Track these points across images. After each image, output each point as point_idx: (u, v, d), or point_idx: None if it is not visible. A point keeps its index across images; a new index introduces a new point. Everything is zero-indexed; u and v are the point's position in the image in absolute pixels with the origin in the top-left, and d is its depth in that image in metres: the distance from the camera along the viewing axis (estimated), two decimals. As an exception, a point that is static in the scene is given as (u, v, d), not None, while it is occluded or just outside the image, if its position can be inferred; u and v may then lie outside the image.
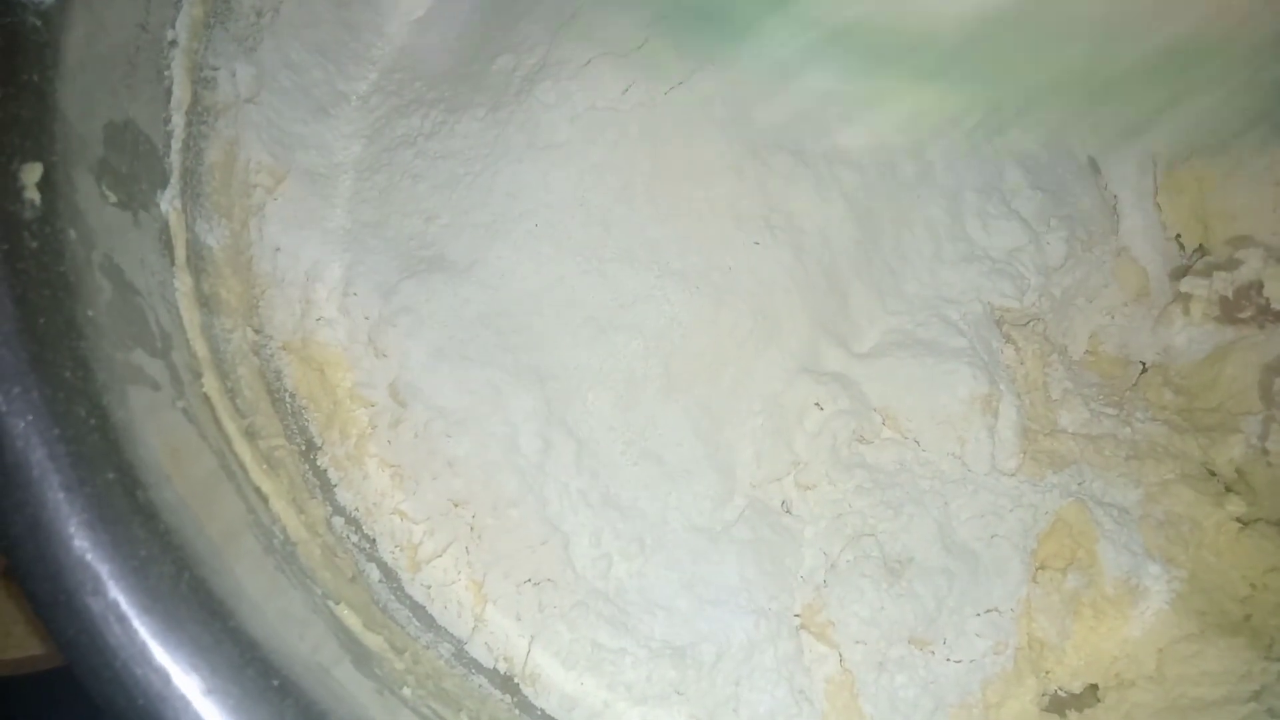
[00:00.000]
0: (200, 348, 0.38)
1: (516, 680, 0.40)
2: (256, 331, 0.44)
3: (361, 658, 0.34)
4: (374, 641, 0.36)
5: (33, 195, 0.31)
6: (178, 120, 0.41)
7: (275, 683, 0.28)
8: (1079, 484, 0.44)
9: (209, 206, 0.43)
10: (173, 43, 0.41)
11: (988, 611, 0.42)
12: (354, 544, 0.41)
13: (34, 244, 0.30)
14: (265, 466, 0.38)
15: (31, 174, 0.31)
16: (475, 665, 0.40)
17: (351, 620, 0.36)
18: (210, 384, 0.38)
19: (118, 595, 0.26)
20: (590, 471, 0.42)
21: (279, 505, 0.37)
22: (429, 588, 0.41)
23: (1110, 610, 0.42)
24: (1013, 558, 0.42)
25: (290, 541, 0.37)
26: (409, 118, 0.49)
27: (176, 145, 0.41)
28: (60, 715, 0.42)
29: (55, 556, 0.26)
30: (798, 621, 0.42)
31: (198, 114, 0.43)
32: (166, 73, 0.41)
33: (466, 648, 0.40)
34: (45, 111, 0.33)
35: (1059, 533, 0.43)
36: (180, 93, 0.42)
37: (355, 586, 0.38)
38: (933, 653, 0.42)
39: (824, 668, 0.41)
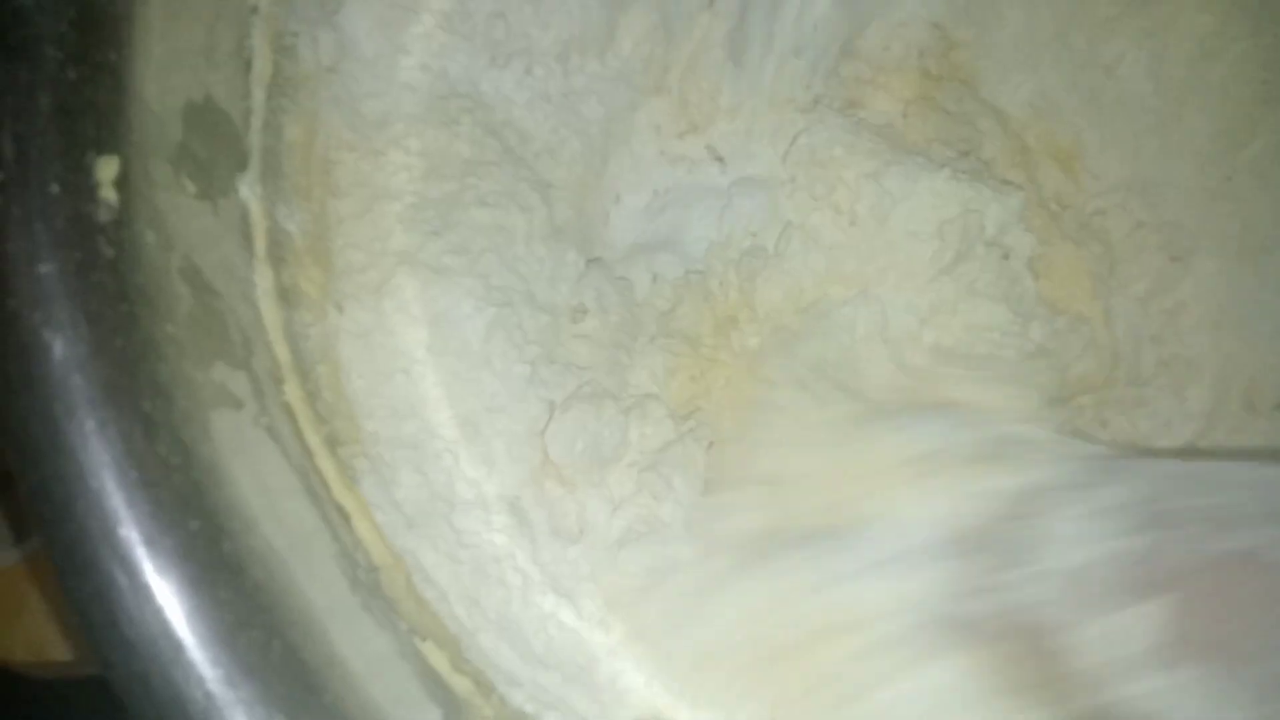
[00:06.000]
0: (281, 350, 0.35)
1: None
2: (339, 310, 0.40)
3: (451, 709, 0.31)
4: (461, 685, 0.33)
5: (109, 194, 0.27)
6: (258, 95, 0.38)
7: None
8: None
9: (288, 189, 0.39)
10: (254, 8, 0.37)
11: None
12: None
13: (110, 252, 0.27)
14: (346, 480, 0.35)
15: (108, 169, 0.27)
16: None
17: (438, 660, 0.33)
18: (292, 391, 0.34)
19: (204, 671, 0.23)
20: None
21: (361, 526, 0.34)
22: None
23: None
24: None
25: (374, 567, 0.34)
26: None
27: (256, 123, 0.37)
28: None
29: (134, 622, 0.23)
30: None
31: (278, 87, 0.39)
32: (247, 42, 0.37)
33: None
34: (122, 94, 0.29)
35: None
36: (261, 64, 0.38)
37: (438, 619, 0.35)
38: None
39: None
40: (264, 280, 0.35)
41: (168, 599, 0.24)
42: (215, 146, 0.34)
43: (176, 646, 0.23)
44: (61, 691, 0.43)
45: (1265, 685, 0.23)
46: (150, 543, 0.24)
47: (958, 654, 0.29)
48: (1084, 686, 0.26)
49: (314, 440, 0.35)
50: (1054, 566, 0.27)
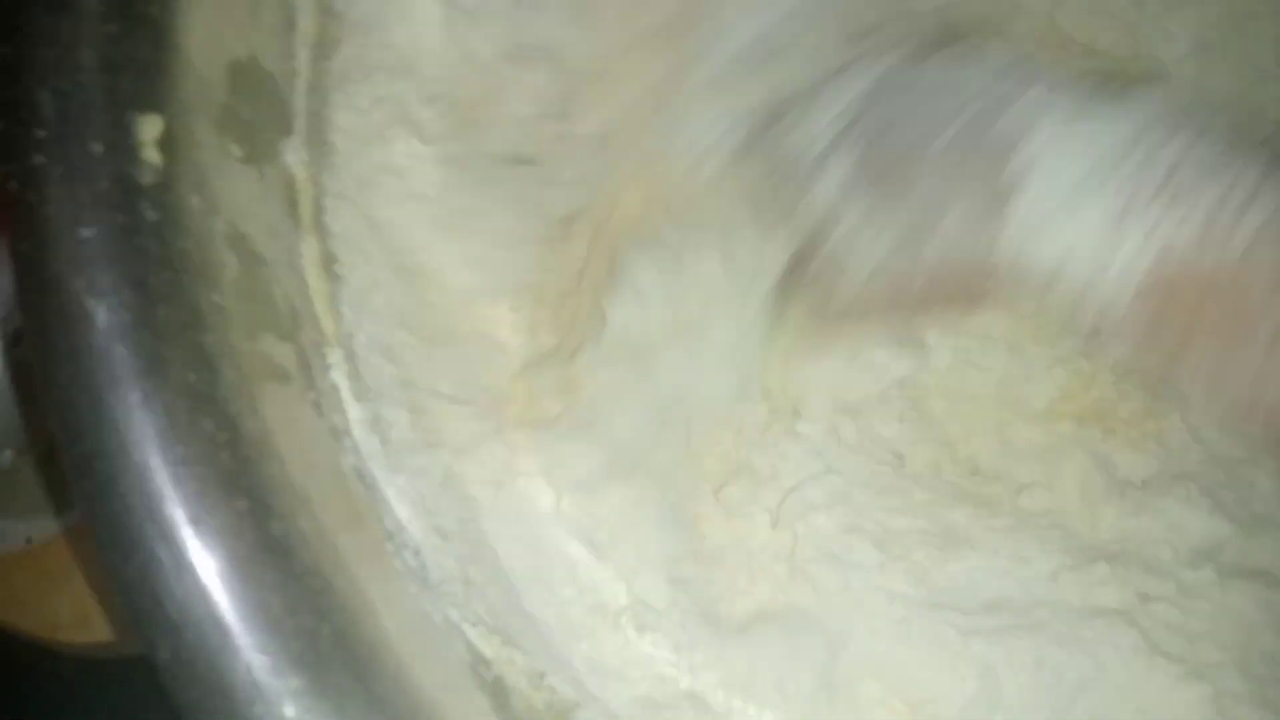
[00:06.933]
0: (328, 322, 0.34)
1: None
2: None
3: (500, 697, 0.30)
4: (510, 673, 0.32)
5: (152, 155, 0.26)
6: (302, 56, 0.36)
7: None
8: None
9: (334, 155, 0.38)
10: (298, -35, 0.36)
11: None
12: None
13: (153, 215, 0.25)
14: (392, 461, 0.34)
15: (151, 128, 0.26)
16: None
17: (488, 646, 0.32)
18: (337, 365, 0.33)
19: (252, 656, 0.22)
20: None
21: (403, 510, 0.33)
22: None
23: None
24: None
25: (419, 550, 0.32)
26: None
27: (301, 86, 0.36)
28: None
29: (179, 605, 0.22)
30: None
31: (322, 48, 0.38)
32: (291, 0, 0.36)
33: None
34: (166, 50, 0.28)
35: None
36: (305, 23, 0.36)
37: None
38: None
39: None
40: (310, 249, 0.34)
41: (214, 581, 0.22)
42: (260, 109, 0.33)
43: (223, 632, 0.22)
44: (103, 671, 0.42)
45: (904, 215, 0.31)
46: (196, 522, 0.23)
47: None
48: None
49: (356, 415, 0.33)
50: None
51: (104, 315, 0.24)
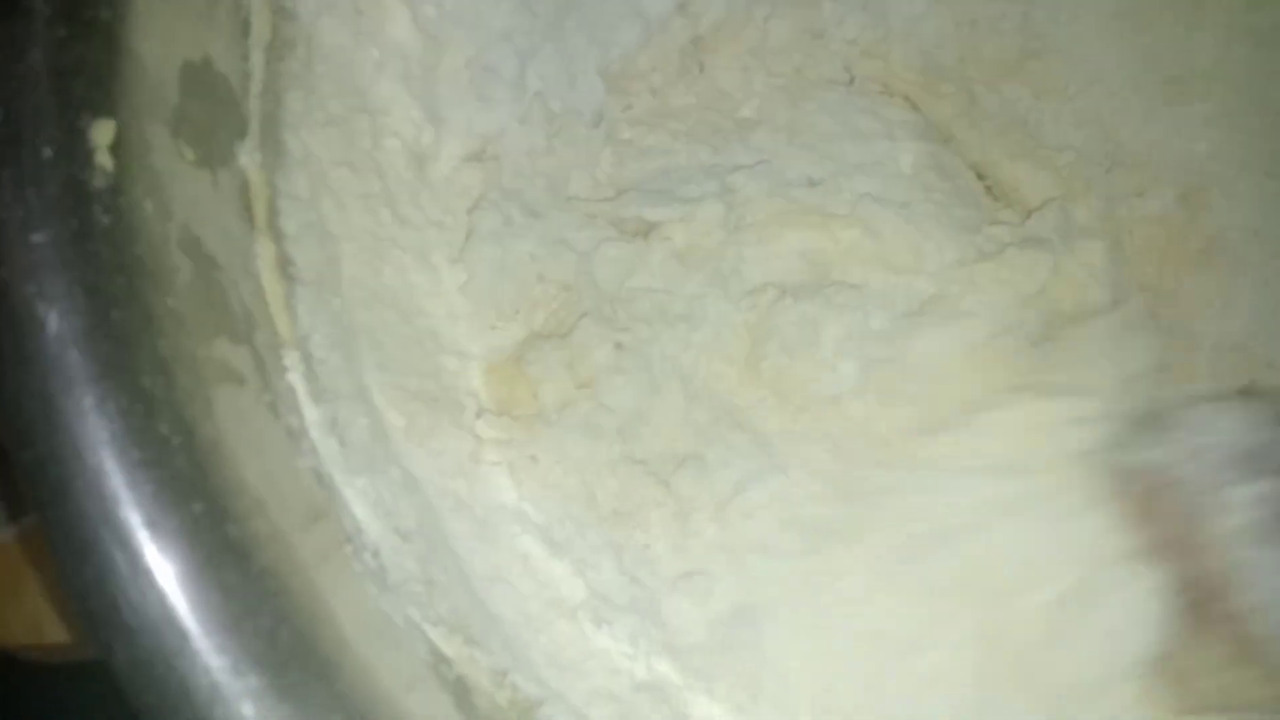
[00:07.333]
0: (283, 324, 0.34)
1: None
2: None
3: (463, 695, 0.30)
4: (472, 671, 0.32)
5: (104, 160, 0.26)
6: (257, 58, 0.36)
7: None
8: None
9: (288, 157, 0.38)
10: (251, -35, 0.35)
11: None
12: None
13: (106, 220, 0.25)
14: (350, 462, 0.34)
15: (103, 133, 0.26)
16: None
17: (450, 645, 0.32)
18: (294, 367, 0.33)
19: (210, 658, 0.22)
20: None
21: (361, 510, 0.33)
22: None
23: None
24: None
25: (378, 551, 0.33)
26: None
27: (255, 88, 0.36)
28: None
29: (136, 609, 0.22)
30: None
31: (276, 51, 0.38)
32: (245, 1, 0.36)
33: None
34: (118, 54, 0.27)
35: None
36: (259, 25, 0.36)
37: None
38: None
39: None
40: (265, 251, 0.34)
41: (170, 584, 0.22)
42: (214, 111, 0.33)
43: (181, 634, 0.22)
44: (59, 676, 0.42)
45: None
46: (152, 525, 0.23)
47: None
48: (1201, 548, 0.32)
49: (314, 416, 0.33)
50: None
51: (55, 321, 0.24)
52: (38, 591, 0.40)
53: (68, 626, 0.39)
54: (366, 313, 0.39)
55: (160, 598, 0.22)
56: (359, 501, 0.33)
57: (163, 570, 0.23)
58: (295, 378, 0.33)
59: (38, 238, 0.24)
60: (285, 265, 0.35)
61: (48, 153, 0.25)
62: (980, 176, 0.43)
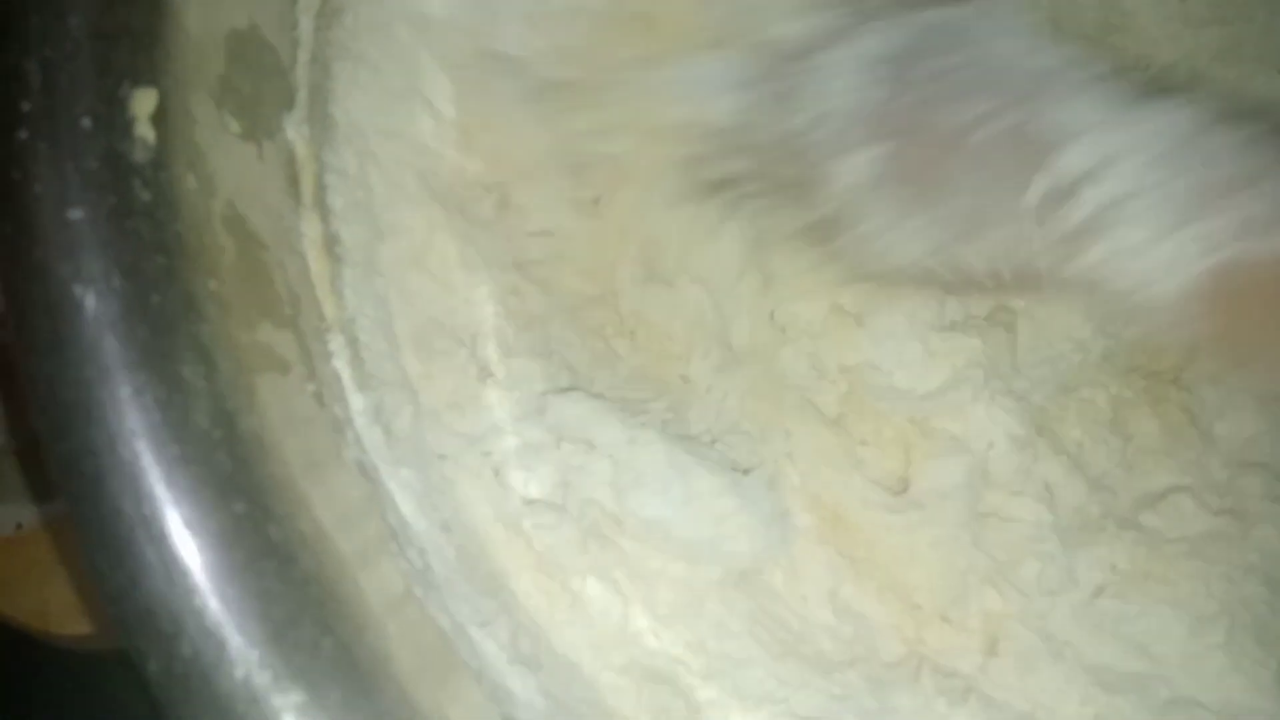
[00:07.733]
0: (330, 307, 0.32)
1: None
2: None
3: (509, 707, 0.29)
4: (517, 676, 0.31)
5: (145, 131, 0.24)
6: (305, 25, 0.34)
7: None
8: None
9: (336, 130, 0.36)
10: (300, -74, 0.34)
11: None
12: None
13: (146, 196, 0.24)
14: (395, 453, 0.33)
15: (144, 103, 0.24)
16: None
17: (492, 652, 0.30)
18: (339, 352, 0.32)
19: (250, 672, 0.21)
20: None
21: (406, 505, 0.32)
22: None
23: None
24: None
25: (424, 549, 0.31)
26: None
27: (304, 57, 0.34)
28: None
29: (172, 617, 0.21)
30: None
31: (325, 18, 0.36)
32: (294, -36, 0.34)
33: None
34: (161, 18, 0.26)
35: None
36: (308, -11, 0.35)
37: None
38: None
39: None
40: (311, 230, 0.32)
41: (209, 590, 0.21)
42: (260, 82, 0.31)
43: (219, 645, 0.21)
44: (92, 662, 0.41)
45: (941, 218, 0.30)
46: (191, 527, 0.21)
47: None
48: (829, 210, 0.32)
49: (359, 404, 0.32)
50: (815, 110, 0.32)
51: (92, 303, 0.22)
52: (66, 580, 0.39)
53: (95, 623, 0.38)
54: (406, 295, 0.37)
55: (198, 604, 0.21)
56: (404, 494, 0.32)
57: (201, 575, 0.21)
58: (340, 364, 0.32)
59: (75, 214, 0.23)
60: (332, 244, 0.34)
61: (86, 123, 0.23)
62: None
